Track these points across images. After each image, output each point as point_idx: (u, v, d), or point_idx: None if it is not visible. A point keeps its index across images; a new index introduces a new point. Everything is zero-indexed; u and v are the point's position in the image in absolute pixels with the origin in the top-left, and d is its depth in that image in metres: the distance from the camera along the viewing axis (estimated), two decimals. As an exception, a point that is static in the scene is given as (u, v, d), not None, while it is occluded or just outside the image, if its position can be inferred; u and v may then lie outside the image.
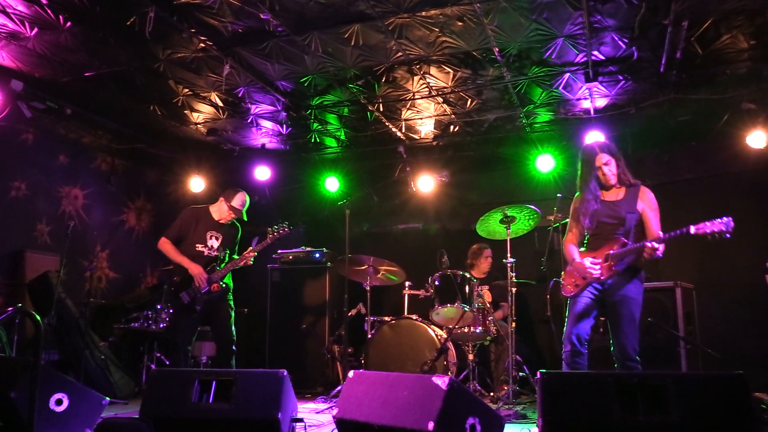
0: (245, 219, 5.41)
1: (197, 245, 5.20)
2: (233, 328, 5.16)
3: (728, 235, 3.45)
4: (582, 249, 4.07)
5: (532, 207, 5.68)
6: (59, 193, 6.86)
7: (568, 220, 4.24)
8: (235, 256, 5.35)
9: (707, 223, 3.51)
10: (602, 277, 3.85)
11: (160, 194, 8.23)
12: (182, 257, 5.13)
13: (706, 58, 5.24)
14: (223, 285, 5.16)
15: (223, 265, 5.21)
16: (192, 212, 5.36)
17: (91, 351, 6.05)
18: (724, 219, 3.47)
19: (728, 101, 5.98)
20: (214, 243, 5.26)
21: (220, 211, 5.32)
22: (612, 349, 3.82)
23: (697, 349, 5.41)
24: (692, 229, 3.54)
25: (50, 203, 6.75)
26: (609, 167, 3.98)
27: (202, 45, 5.05)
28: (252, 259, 5.20)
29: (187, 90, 5.99)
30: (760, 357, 4.82)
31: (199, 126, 6.93)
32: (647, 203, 3.94)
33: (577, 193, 4.13)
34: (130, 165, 7.78)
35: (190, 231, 5.24)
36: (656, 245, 3.60)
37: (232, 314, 5.20)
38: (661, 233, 3.78)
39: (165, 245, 5.21)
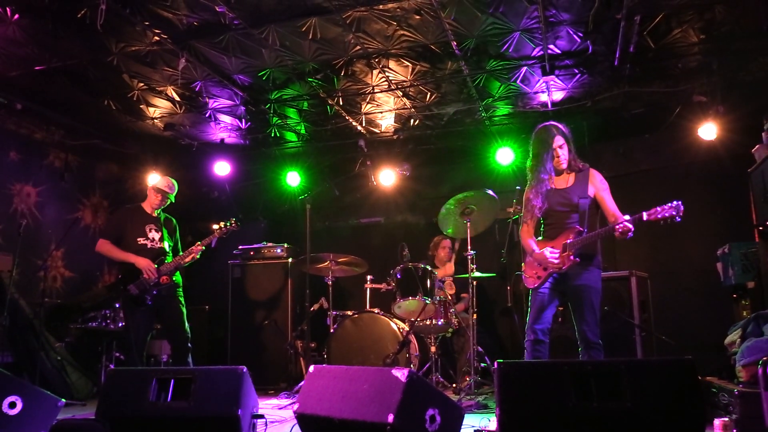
0: (173, 201, 5.34)
1: (139, 239, 5.14)
2: (186, 325, 5.10)
3: (678, 219, 3.51)
4: (539, 238, 4.10)
5: (489, 192, 5.65)
6: (10, 191, 6.65)
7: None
8: (180, 252, 5.28)
9: (658, 209, 3.56)
10: (563, 267, 3.89)
11: (117, 191, 8.04)
12: (126, 253, 5.06)
13: (658, 52, 5.36)
14: (172, 281, 5.09)
15: (169, 257, 5.14)
16: (125, 210, 5.35)
17: (46, 352, 5.90)
18: (674, 203, 3.53)
19: (680, 94, 6.13)
20: (155, 235, 5.19)
21: (150, 201, 5.28)
22: (577, 335, 3.89)
23: (651, 336, 5.54)
24: (644, 216, 3.61)
25: (1, 201, 6.53)
26: (563, 151, 4.02)
27: (157, 38, 4.95)
28: (199, 254, 5.13)
29: (142, 84, 5.87)
30: (712, 342, 4.96)
31: (155, 121, 6.80)
32: (597, 185, 3.99)
33: (528, 182, 4.14)
34: (84, 161, 7.58)
35: (127, 227, 5.17)
36: (629, 225, 3.63)
37: (184, 311, 5.14)
38: (618, 212, 3.83)
39: (104, 245, 5.13)
